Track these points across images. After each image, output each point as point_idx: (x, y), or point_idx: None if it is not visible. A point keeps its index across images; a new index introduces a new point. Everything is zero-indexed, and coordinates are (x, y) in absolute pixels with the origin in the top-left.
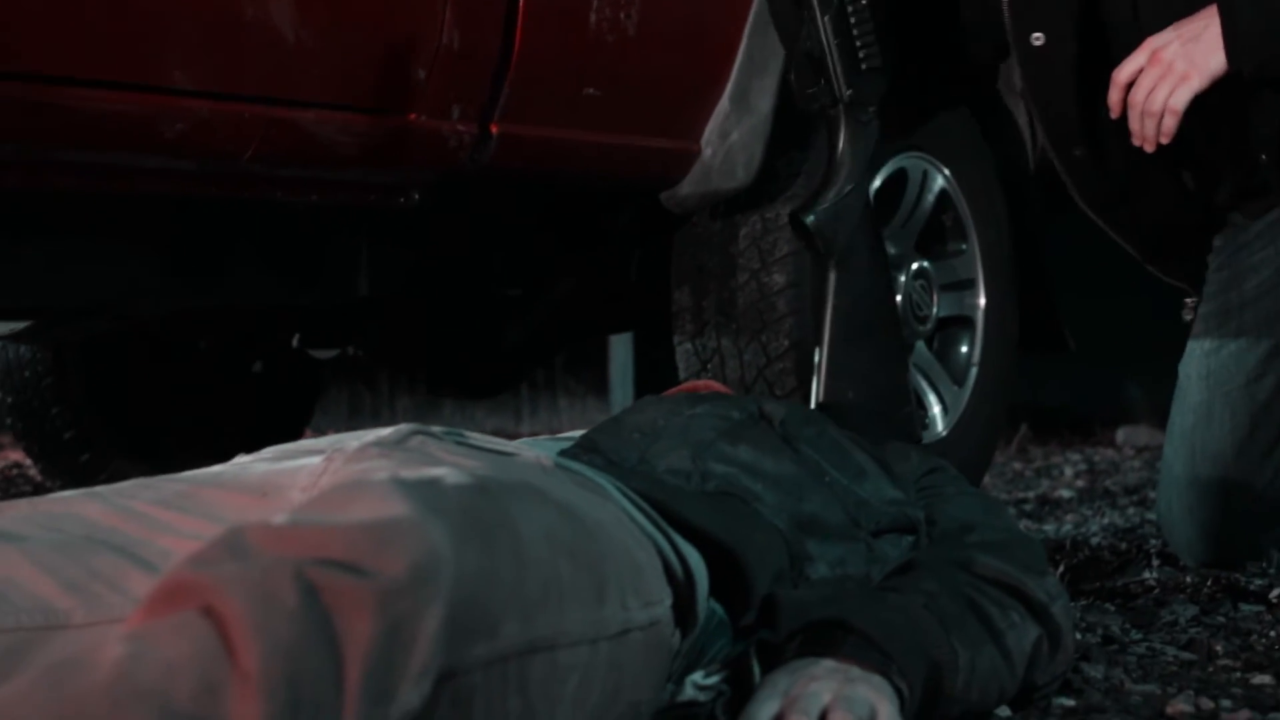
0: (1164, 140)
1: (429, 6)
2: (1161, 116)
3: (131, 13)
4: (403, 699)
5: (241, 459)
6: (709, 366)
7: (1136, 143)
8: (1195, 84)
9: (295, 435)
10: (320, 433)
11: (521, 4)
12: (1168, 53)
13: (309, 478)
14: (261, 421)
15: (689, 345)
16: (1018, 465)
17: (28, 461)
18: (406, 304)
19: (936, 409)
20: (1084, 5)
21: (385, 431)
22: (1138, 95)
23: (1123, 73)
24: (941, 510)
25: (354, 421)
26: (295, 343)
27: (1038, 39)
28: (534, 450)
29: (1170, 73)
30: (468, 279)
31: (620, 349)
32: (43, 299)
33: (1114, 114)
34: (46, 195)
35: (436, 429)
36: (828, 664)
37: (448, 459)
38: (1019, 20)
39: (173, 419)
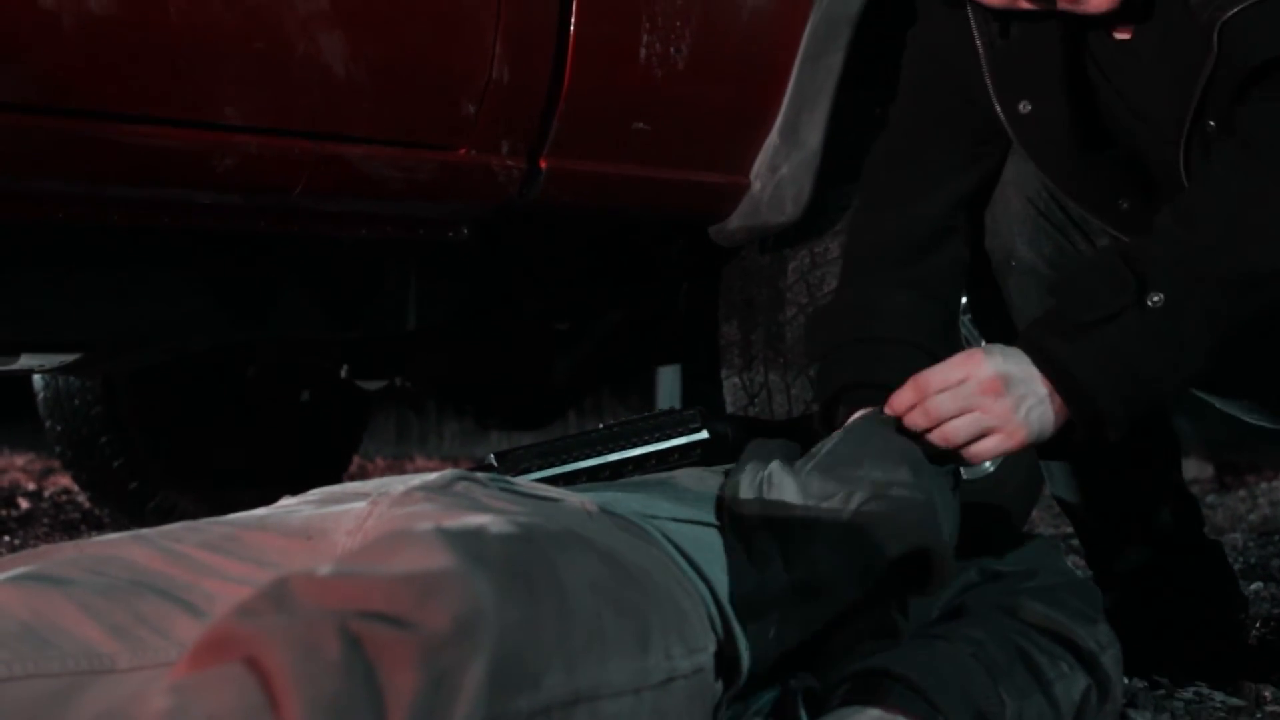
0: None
1: (479, 42)
2: None
3: (183, 49)
4: None
5: (287, 501)
6: (756, 401)
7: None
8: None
9: (343, 464)
10: (368, 459)
11: (572, 39)
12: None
13: (354, 522)
14: (308, 450)
15: (736, 379)
16: None
17: (76, 488)
18: (454, 336)
19: None
20: (1067, 67)
21: (431, 476)
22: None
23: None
24: (995, 555)
25: (401, 448)
26: (343, 373)
27: (1025, 107)
28: (579, 495)
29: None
30: (516, 312)
31: (668, 378)
32: (93, 332)
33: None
34: (97, 229)
35: (481, 475)
36: (873, 713)
37: (493, 505)
38: (1004, 91)
39: (221, 448)
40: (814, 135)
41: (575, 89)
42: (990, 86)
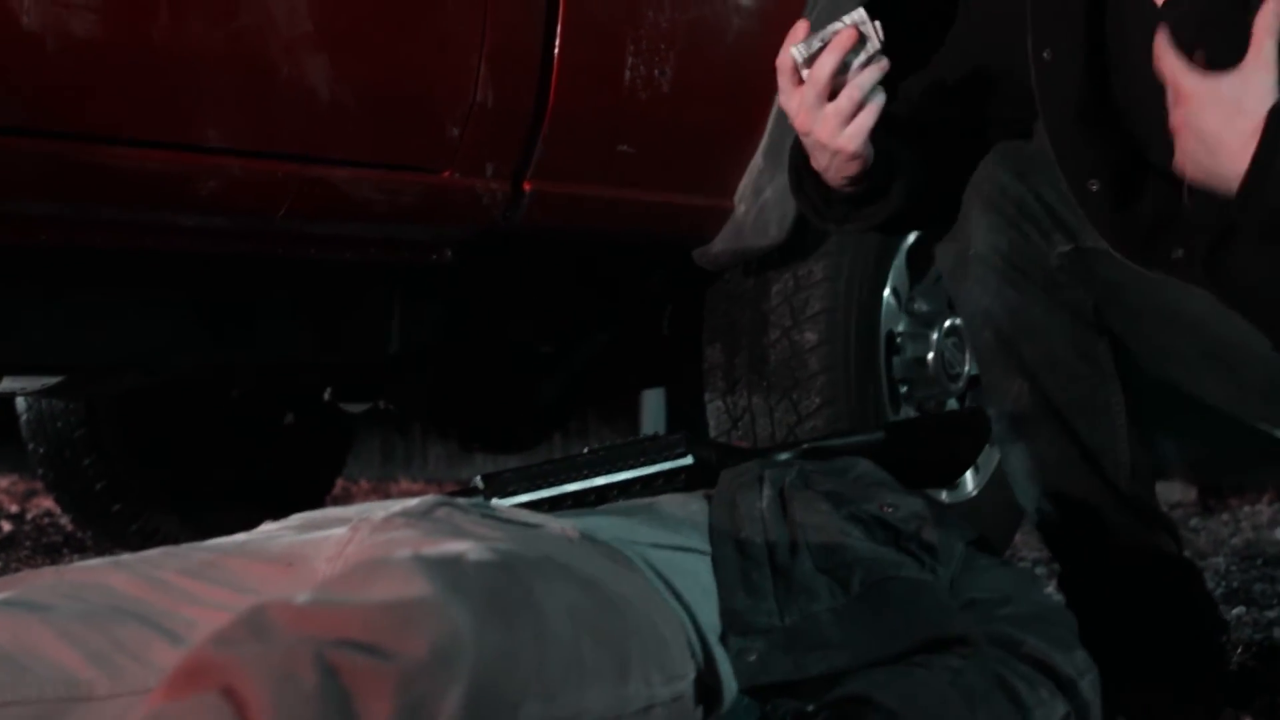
0: None
1: (463, 64)
2: None
3: (166, 72)
4: None
5: (268, 526)
6: (740, 424)
7: None
8: None
9: (327, 486)
10: (352, 481)
11: (556, 62)
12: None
13: (334, 548)
14: (292, 473)
15: (720, 402)
16: None
17: (59, 510)
18: (439, 359)
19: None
20: (1090, 25)
21: (411, 502)
22: None
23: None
24: (972, 582)
25: (386, 471)
26: (327, 396)
27: (1048, 54)
28: (560, 521)
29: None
30: (500, 335)
31: (653, 401)
32: (76, 355)
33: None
34: (80, 252)
35: (462, 500)
36: None
37: (473, 531)
38: (1037, 36)
39: (204, 470)
40: None
41: (559, 112)
42: (1030, 28)
